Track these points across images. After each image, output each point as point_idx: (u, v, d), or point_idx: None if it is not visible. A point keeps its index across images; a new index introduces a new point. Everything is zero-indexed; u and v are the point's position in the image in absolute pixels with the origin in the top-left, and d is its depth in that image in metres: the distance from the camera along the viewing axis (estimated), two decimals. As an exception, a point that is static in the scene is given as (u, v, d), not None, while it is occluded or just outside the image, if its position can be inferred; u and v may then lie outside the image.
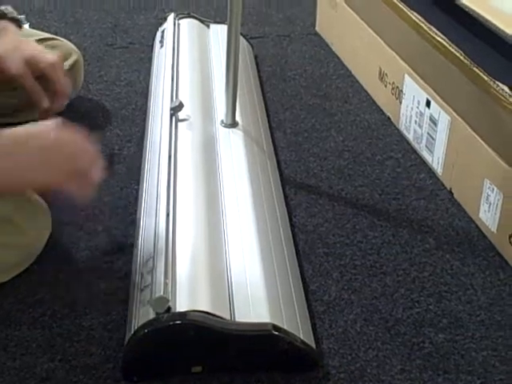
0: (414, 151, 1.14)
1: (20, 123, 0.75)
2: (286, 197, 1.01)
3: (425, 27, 1.06)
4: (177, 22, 1.30)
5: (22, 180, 0.73)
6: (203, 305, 0.71)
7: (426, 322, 0.82)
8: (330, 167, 1.10)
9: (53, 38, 1.18)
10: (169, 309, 0.70)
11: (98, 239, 0.93)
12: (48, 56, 0.97)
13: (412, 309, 0.83)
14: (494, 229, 0.94)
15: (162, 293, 0.70)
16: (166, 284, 0.71)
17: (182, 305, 0.71)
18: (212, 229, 0.82)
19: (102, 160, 0.77)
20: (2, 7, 1.00)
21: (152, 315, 0.71)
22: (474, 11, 0.98)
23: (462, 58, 0.97)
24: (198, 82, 1.15)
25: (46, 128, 0.75)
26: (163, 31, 1.30)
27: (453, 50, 0.99)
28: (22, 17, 1.02)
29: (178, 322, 0.70)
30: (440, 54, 1.02)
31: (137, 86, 1.31)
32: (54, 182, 0.75)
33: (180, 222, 0.82)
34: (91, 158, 0.76)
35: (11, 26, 0.99)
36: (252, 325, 0.72)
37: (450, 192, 1.05)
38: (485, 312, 0.83)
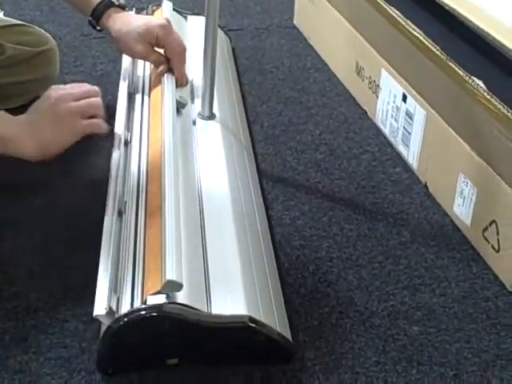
0: (390, 145, 1.15)
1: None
2: (263, 190, 1.01)
3: (402, 22, 1.07)
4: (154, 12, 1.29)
5: (47, 144, 0.85)
6: (179, 297, 0.70)
7: (401, 314, 0.83)
8: (306, 160, 1.10)
9: (24, 25, 1.17)
10: (145, 301, 0.70)
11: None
12: (157, 21, 1.01)
13: (387, 301, 0.84)
14: (467, 222, 0.95)
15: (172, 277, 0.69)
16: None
17: (158, 297, 0.70)
18: (189, 221, 0.82)
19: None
20: None
21: (128, 307, 0.70)
22: (450, 7, 0.98)
23: (437, 53, 0.97)
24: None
25: (45, 94, 0.88)
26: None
27: (429, 45, 1.00)
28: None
29: (154, 314, 0.69)
30: (416, 48, 1.03)
31: (113, 76, 1.30)
32: (73, 131, 0.87)
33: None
34: (93, 98, 0.91)
35: (118, 13, 1.03)
36: (229, 317, 0.72)
37: (425, 186, 1.06)
38: (458, 305, 0.84)
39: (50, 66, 1.19)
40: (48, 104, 0.88)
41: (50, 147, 0.86)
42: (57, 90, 0.90)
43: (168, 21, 1.03)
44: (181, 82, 1.03)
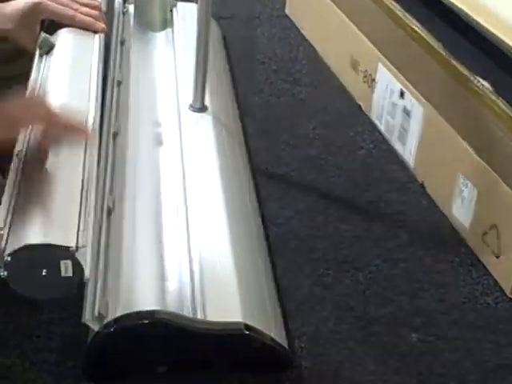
0: (386, 142, 1.12)
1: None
2: (256, 187, 0.98)
3: (400, 14, 1.04)
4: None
5: None
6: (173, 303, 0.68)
7: (399, 320, 0.80)
8: (301, 156, 1.07)
9: None
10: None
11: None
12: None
13: (385, 307, 0.82)
14: (466, 225, 0.92)
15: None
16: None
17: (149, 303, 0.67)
18: (181, 221, 0.78)
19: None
20: None
21: (119, 313, 0.67)
22: (451, 3, 0.96)
23: (438, 48, 0.95)
24: (163, 63, 1.10)
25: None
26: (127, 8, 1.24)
27: (429, 40, 0.97)
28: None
29: (146, 320, 0.66)
30: (415, 43, 1.00)
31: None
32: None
33: (144, 211, 0.78)
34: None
35: None
36: (223, 324, 0.69)
37: (422, 185, 1.03)
38: (457, 311, 0.82)
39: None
40: None
41: None
42: None
43: None
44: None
